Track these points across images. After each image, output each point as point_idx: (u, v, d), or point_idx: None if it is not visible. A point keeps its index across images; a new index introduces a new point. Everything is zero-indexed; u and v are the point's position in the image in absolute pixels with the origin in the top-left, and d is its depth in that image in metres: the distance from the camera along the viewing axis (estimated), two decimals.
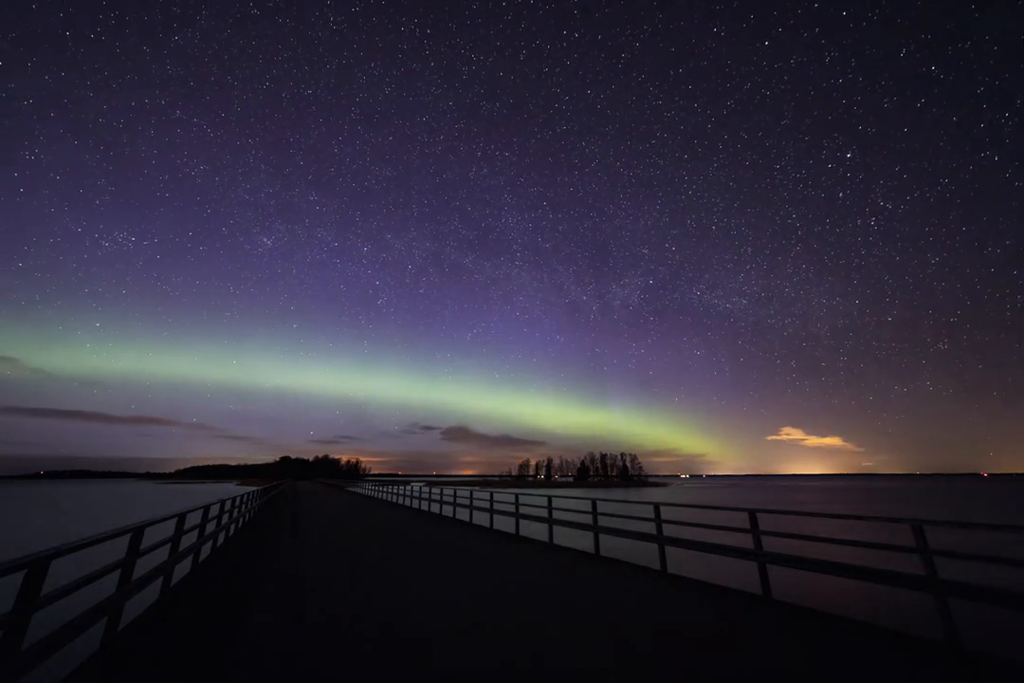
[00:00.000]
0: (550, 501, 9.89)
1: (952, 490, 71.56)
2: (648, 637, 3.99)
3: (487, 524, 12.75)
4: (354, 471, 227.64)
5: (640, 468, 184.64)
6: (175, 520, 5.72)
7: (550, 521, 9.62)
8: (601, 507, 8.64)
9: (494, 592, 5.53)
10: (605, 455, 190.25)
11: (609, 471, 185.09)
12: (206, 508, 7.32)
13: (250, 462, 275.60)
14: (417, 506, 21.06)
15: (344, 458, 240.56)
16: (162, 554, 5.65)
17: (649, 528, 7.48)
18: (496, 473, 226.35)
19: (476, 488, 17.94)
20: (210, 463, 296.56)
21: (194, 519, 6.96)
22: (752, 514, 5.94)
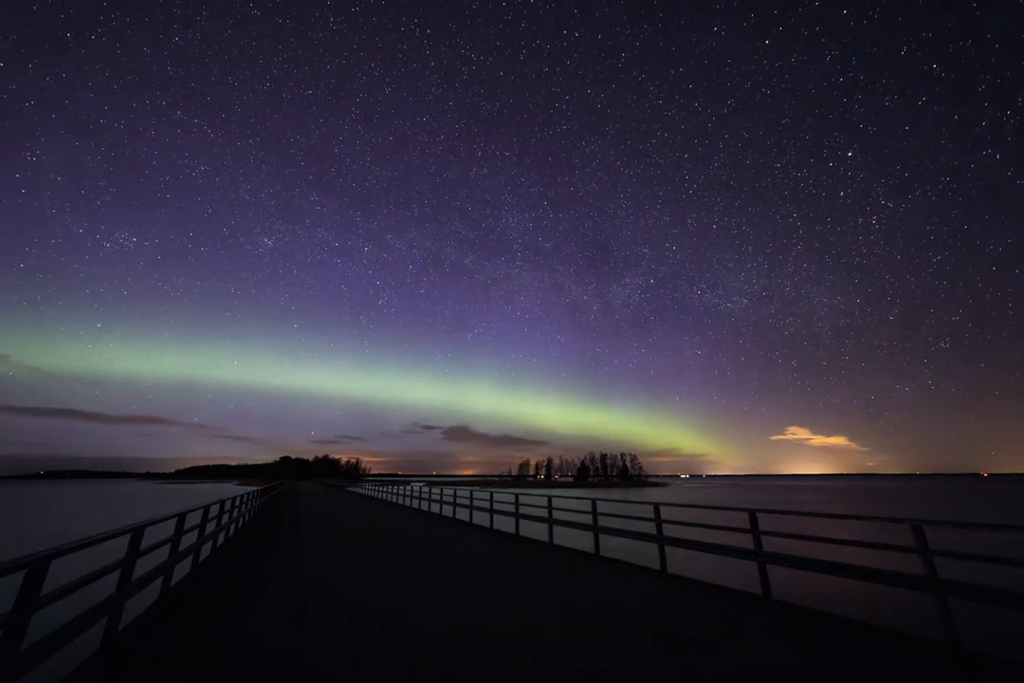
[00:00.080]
0: (550, 501, 9.89)
1: (952, 490, 71.56)
2: (648, 637, 3.99)
3: (487, 524, 12.74)
4: (354, 471, 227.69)
5: (640, 468, 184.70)
6: (175, 520, 5.72)
7: (550, 521, 9.62)
8: (601, 507, 8.64)
9: (494, 592, 5.53)
10: (605, 455, 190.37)
11: (609, 471, 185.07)
12: (206, 508, 7.32)
13: (250, 462, 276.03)
14: (417, 506, 21.07)
15: (344, 458, 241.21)
16: (162, 554, 5.65)
17: (649, 528, 7.48)
18: (496, 473, 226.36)
19: (476, 488, 17.94)
20: (210, 463, 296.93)
21: (194, 519, 6.96)
22: (752, 514, 5.94)
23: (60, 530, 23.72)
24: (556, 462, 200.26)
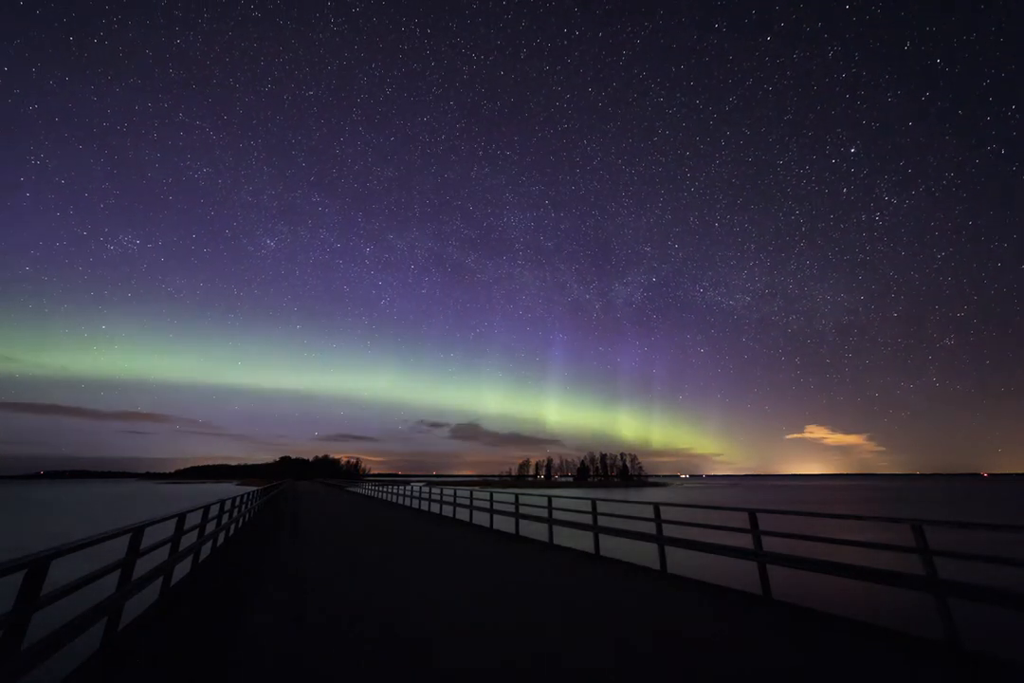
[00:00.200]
0: (550, 501, 9.89)
1: (952, 490, 71.58)
2: (648, 637, 3.99)
3: (487, 524, 12.75)
4: (354, 471, 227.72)
5: (640, 468, 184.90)
6: (175, 520, 5.73)
7: (550, 521, 9.63)
8: (601, 507, 8.64)
9: (494, 592, 5.53)
10: (605, 455, 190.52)
11: (609, 471, 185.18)
12: (206, 508, 7.32)
13: (250, 462, 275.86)
14: (417, 506, 21.08)
15: (344, 458, 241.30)
16: (162, 554, 5.65)
17: (649, 528, 7.48)
18: (496, 473, 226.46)
19: (476, 488, 17.94)
20: (210, 463, 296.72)
21: (194, 519, 6.96)
22: (752, 514, 5.94)
23: (60, 530, 23.72)
24: (556, 462, 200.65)
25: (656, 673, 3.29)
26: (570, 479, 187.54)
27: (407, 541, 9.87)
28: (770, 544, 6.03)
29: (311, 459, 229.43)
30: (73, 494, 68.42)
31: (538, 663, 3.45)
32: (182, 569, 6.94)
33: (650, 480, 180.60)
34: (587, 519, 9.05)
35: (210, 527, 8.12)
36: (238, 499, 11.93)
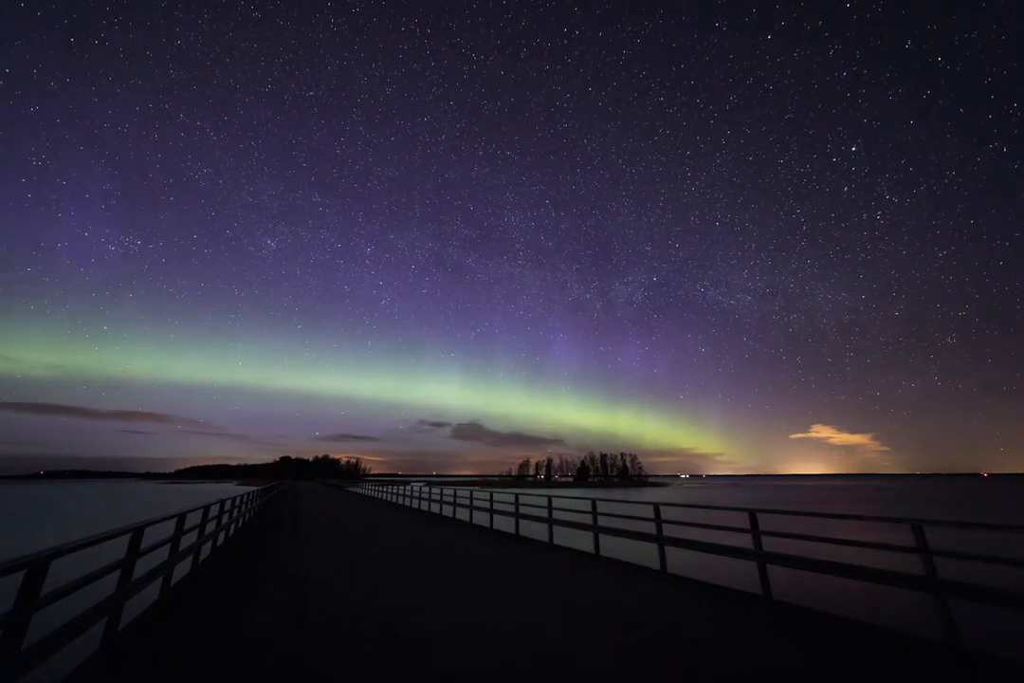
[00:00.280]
0: (550, 501, 9.90)
1: (952, 490, 71.57)
2: (648, 637, 3.99)
3: (487, 524, 12.76)
4: (354, 471, 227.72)
5: (640, 468, 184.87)
6: (175, 520, 5.73)
7: (550, 521, 9.63)
8: (601, 507, 8.65)
9: (494, 592, 5.53)
10: (605, 455, 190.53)
11: (609, 471, 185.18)
12: (206, 508, 7.32)
13: (250, 462, 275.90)
14: (417, 506, 21.08)
15: (344, 458, 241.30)
16: (162, 554, 5.65)
17: (649, 528, 7.48)
18: (496, 473, 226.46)
19: (476, 488, 17.94)
20: (210, 463, 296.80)
21: (194, 519, 6.96)
22: (752, 514, 5.94)
23: (60, 530, 23.72)
24: (556, 462, 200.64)
25: (656, 673, 3.29)
26: (570, 479, 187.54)
27: (407, 541, 9.87)
28: (770, 544, 6.03)
29: (311, 459, 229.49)
30: (73, 494, 68.41)
31: (538, 663, 3.45)
32: (182, 569, 6.94)
33: (650, 480, 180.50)
34: (587, 519, 9.05)
35: (210, 527, 8.13)
36: (238, 499, 11.93)
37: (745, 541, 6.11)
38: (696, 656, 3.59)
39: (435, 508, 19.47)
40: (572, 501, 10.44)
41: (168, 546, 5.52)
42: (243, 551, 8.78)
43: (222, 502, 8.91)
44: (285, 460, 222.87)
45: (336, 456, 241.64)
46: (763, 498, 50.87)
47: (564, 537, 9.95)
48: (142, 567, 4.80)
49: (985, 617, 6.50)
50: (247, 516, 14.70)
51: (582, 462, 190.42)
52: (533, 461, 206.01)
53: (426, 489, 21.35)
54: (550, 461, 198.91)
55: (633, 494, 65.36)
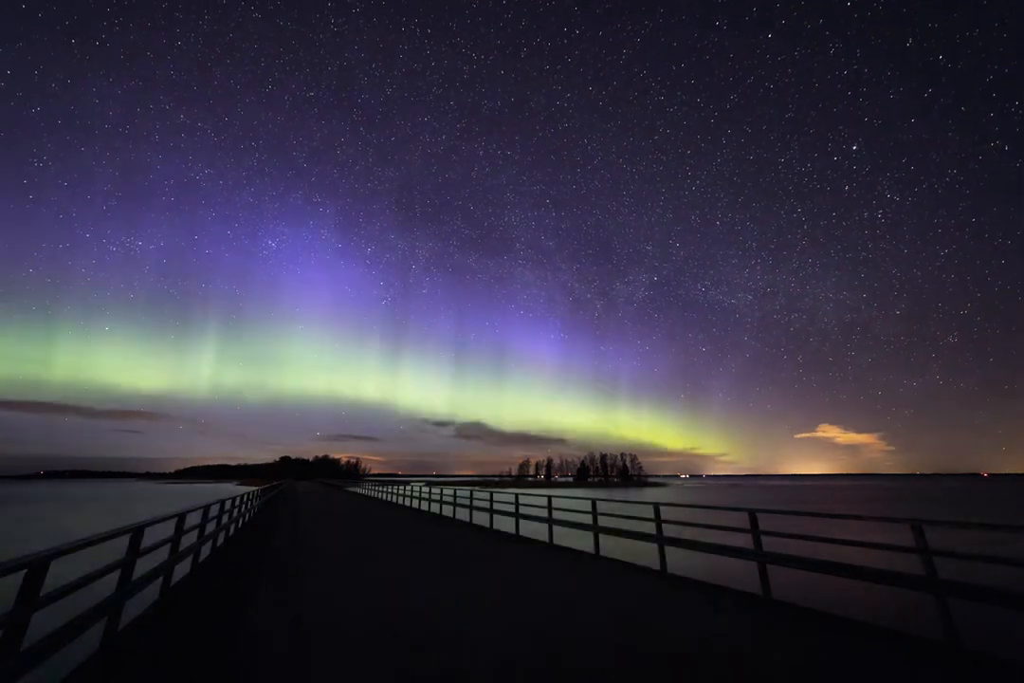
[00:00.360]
0: (550, 501, 9.89)
1: (952, 490, 71.54)
2: (648, 637, 3.99)
3: (487, 524, 12.75)
4: (354, 471, 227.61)
5: (640, 468, 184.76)
6: (175, 520, 5.73)
7: (550, 521, 9.63)
8: (601, 507, 8.64)
9: (494, 592, 5.53)
10: (605, 455, 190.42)
11: (609, 471, 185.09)
12: (206, 508, 7.32)
13: (250, 462, 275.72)
14: (417, 506, 21.07)
15: (344, 458, 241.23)
16: (162, 554, 5.65)
17: (649, 528, 7.48)
18: (496, 473, 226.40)
19: (476, 488, 17.94)
20: (210, 463, 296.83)
21: (194, 519, 6.96)
22: (752, 514, 5.94)
23: (60, 530, 23.72)
24: (556, 462, 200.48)
25: (656, 673, 3.29)
26: (570, 479, 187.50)
27: (407, 541, 9.87)
28: (770, 544, 6.03)
29: (311, 459, 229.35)
30: (73, 494, 68.39)
31: (538, 663, 3.45)
32: (182, 569, 6.94)
33: (650, 480, 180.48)
34: (587, 519, 9.05)
35: (210, 527, 8.13)
36: (238, 499, 11.93)
37: (745, 541, 6.11)
38: (696, 656, 3.58)
39: (435, 508, 19.47)
40: (572, 501, 10.44)
41: (168, 546, 5.52)
42: (243, 551, 8.78)
43: (222, 502, 8.91)
44: (285, 460, 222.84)
45: (336, 456, 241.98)
46: (763, 498, 50.86)
47: (564, 537, 9.94)
48: (142, 567, 4.81)
49: (985, 617, 6.50)
50: (247, 516, 14.70)
51: (582, 462, 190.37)
52: (533, 461, 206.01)
53: (426, 489, 21.35)
54: (550, 461, 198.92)
55: (633, 494, 65.36)
